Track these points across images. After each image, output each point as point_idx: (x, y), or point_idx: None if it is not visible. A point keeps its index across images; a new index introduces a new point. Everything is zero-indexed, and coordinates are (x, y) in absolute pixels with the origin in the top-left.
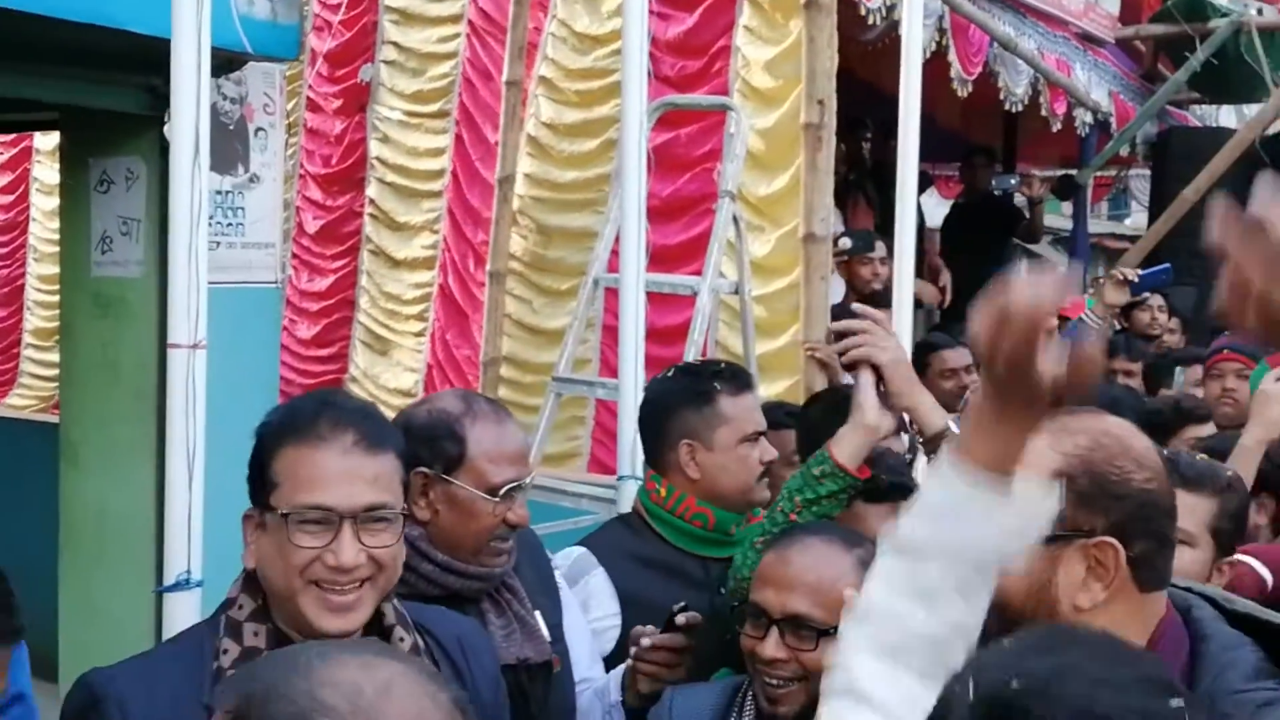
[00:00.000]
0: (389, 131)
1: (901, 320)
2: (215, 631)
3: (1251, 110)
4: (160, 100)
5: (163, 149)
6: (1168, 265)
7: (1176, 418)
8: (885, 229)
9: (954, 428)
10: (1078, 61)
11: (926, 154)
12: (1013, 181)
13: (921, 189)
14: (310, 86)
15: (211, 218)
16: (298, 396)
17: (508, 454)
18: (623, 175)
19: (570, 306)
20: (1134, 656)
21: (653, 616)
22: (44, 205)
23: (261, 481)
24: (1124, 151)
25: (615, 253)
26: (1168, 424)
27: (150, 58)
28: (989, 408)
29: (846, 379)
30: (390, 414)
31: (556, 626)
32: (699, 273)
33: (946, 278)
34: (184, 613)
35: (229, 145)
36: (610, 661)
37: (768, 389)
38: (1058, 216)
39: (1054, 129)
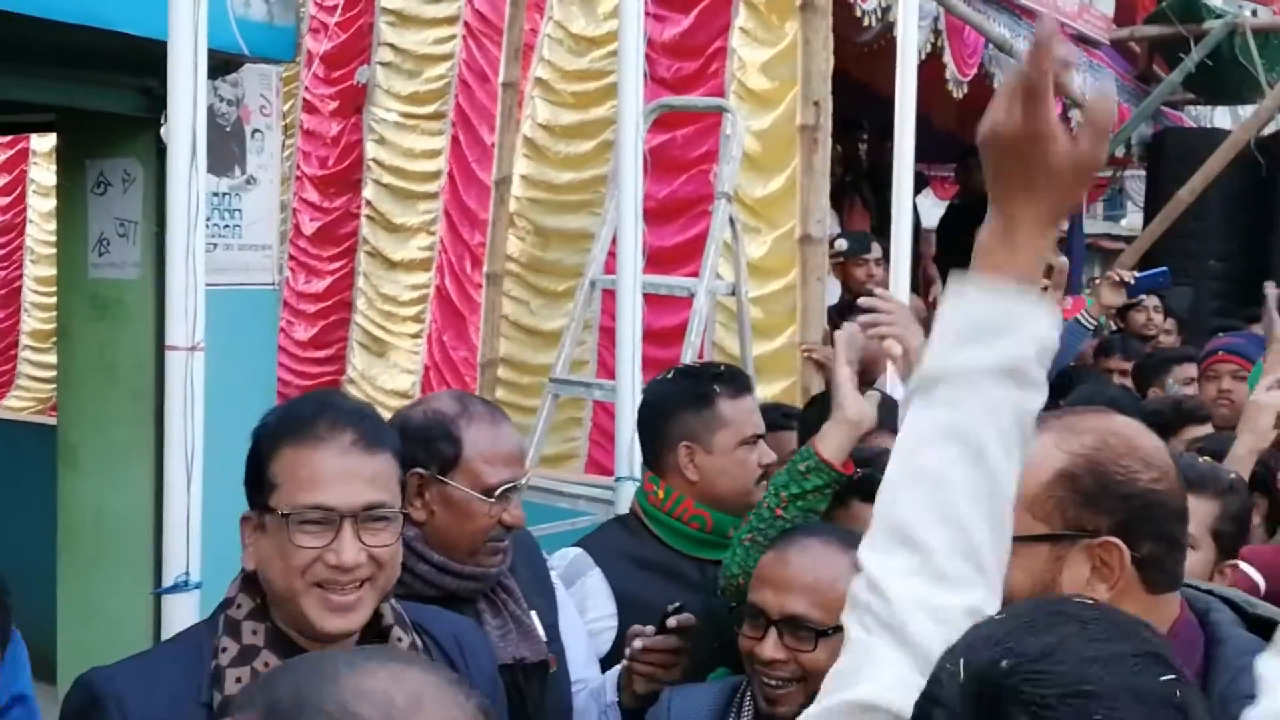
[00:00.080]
0: (385, 133)
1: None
2: (214, 631)
3: (1246, 111)
4: (157, 102)
5: (159, 151)
6: (1165, 268)
7: (1177, 418)
8: (881, 230)
9: None
10: None
11: (922, 155)
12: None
13: (917, 190)
14: (306, 88)
15: (208, 219)
16: (294, 398)
17: (503, 455)
18: (619, 177)
19: (567, 308)
20: (1125, 631)
21: (649, 618)
22: (41, 207)
23: (259, 483)
24: (1119, 152)
25: (612, 254)
26: (1168, 424)
27: (146, 59)
28: (1004, 204)
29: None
30: (387, 415)
31: (552, 626)
32: (695, 274)
33: (937, 289)
34: (183, 614)
35: (226, 147)
36: (607, 662)
37: (765, 390)
38: None
39: None
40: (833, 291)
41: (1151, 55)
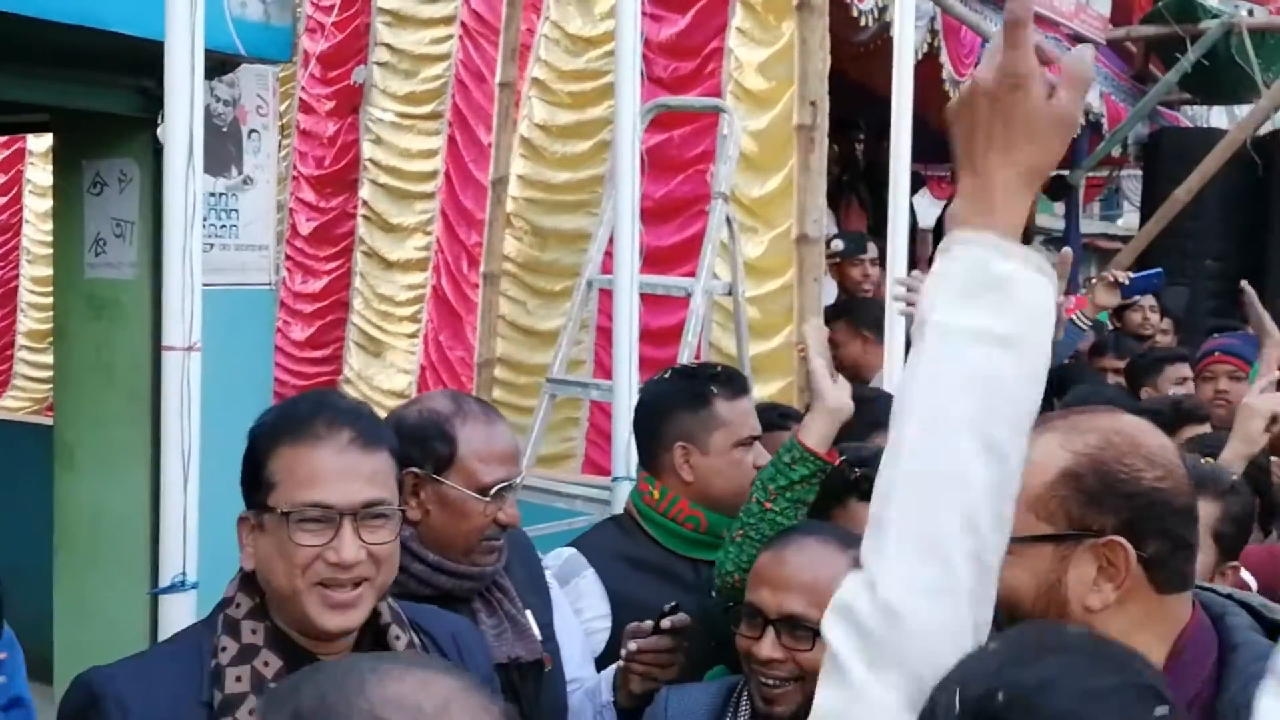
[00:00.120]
0: (382, 133)
1: (893, 321)
2: (213, 630)
3: (1242, 111)
4: (153, 102)
5: (156, 151)
6: (1160, 269)
7: (1176, 418)
8: (878, 230)
9: None
10: None
11: (919, 155)
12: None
13: (914, 190)
14: (303, 88)
15: (205, 220)
16: (290, 398)
17: (498, 454)
18: (616, 177)
19: (564, 308)
20: (1119, 663)
21: (643, 618)
22: (37, 207)
23: (257, 483)
24: (1116, 152)
25: (609, 254)
26: (1167, 424)
27: (143, 60)
28: (979, 165)
29: (840, 380)
30: (383, 415)
31: (547, 625)
32: (692, 274)
33: None
34: (180, 614)
35: (222, 147)
36: (601, 662)
37: (761, 390)
38: (1050, 217)
39: None
40: (829, 291)
41: (1148, 55)
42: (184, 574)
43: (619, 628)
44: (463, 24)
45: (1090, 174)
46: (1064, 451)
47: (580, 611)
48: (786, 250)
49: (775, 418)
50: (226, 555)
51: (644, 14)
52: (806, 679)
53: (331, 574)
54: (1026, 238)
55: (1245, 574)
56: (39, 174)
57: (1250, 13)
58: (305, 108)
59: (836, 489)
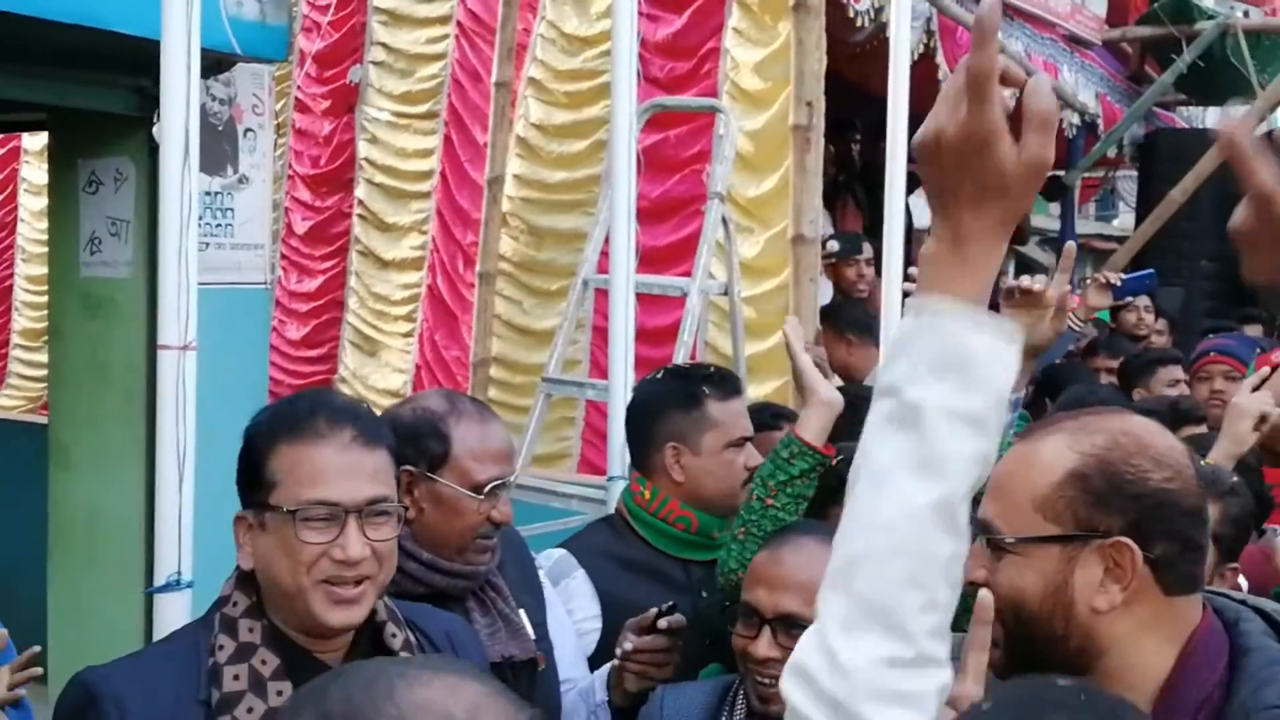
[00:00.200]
0: (377, 132)
1: (890, 321)
2: (209, 629)
3: (1238, 112)
4: (149, 101)
5: (151, 150)
6: (1151, 270)
7: (1174, 419)
8: (874, 230)
9: None
10: (1065, 63)
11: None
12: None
13: (910, 190)
14: (299, 87)
15: (201, 219)
16: (285, 397)
17: (492, 452)
18: (612, 176)
19: (560, 307)
20: (1115, 714)
21: (634, 618)
22: (32, 206)
23: (257, 482)
24: (1111, 153)
25: (605, 254)
26: (1164, 425)
27: (139, 59)
28: (951, 218)
29: (836, 380)
30: (378, 414)
31: (541, 624)
32: (688, 274)
33: None
34: (175, 614)
35: (218, 146)
36: (592, 664)
37: (757, 390)
38: (1045, 217)
39: None
40: (825, 292)
41: (1143, 56)
42: (179, 573)
43: (609, 628)
44: (459, 23)
45: (1086, 174)
46: (1071, 452)
47: (571, 612)
48: (782, 250)
49: (767, 418)
50: (221, 554)
51: (640, 14)
52: None
53: (337, 571)
54: (1022, 238)
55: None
56: (34, 172)
57: (1246, 14)
58: (301, 107)
59: (833, 488)
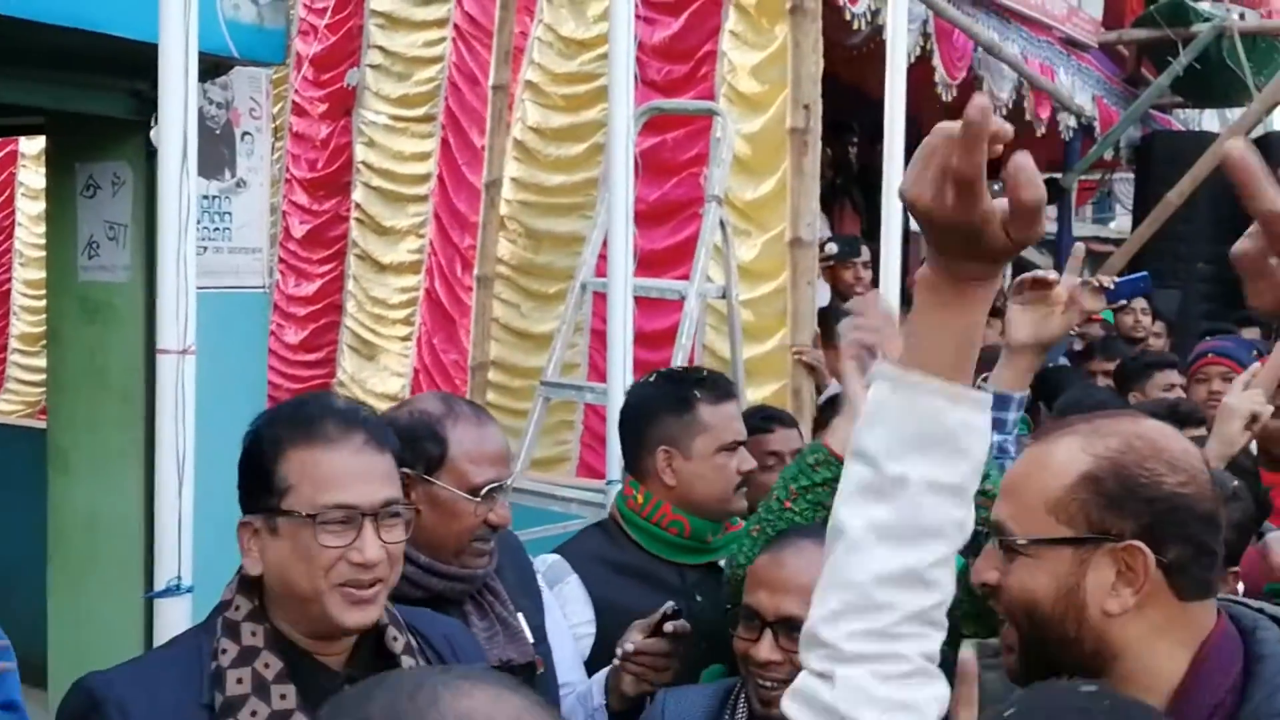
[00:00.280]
0: (375, 136)
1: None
2: (211, 633)
3: (1234, 114)
4: (146, 105)
5: (149, 153)
6: (1145, 273)
7: (1174, 421)
8: (872, 233)
9: None
10: (1061, 66)
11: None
12: (995, 188)
13: None
14: (296, 91)
15: (199, 223)
16: (287, 401)
17: (488, 455)
18: (610, 180)
19: (558, 311)
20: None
21: (627, 623)
22: (29, 210)
23: (267, 487)
24: (1108, 155)
25: (603, 257)
26: None
27: (136, 62)
28: (945, 259)
29: (831, 382)
30: None
31: (539, 628)
32: (686, 277)
33: None
34: (175, 619)
35: (215, 150)
36: (586, 669)
37: (755, 393)
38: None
39: (1038, 133)
40: (823, 295)
41: (1140, 58)
42: (179, 578)
43: (603, 633)
44: (456, 27)
45: (1082, 177)
46: (1085, 454)
47: (564, 618)
48: (780, 253)
49: (758, 421)
50: (221, 559)
51: (637, 17)
52: None
53: (354, 574)
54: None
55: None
56: (31, 176)
57: (1242, 16)
58: (298, 110)
59: None
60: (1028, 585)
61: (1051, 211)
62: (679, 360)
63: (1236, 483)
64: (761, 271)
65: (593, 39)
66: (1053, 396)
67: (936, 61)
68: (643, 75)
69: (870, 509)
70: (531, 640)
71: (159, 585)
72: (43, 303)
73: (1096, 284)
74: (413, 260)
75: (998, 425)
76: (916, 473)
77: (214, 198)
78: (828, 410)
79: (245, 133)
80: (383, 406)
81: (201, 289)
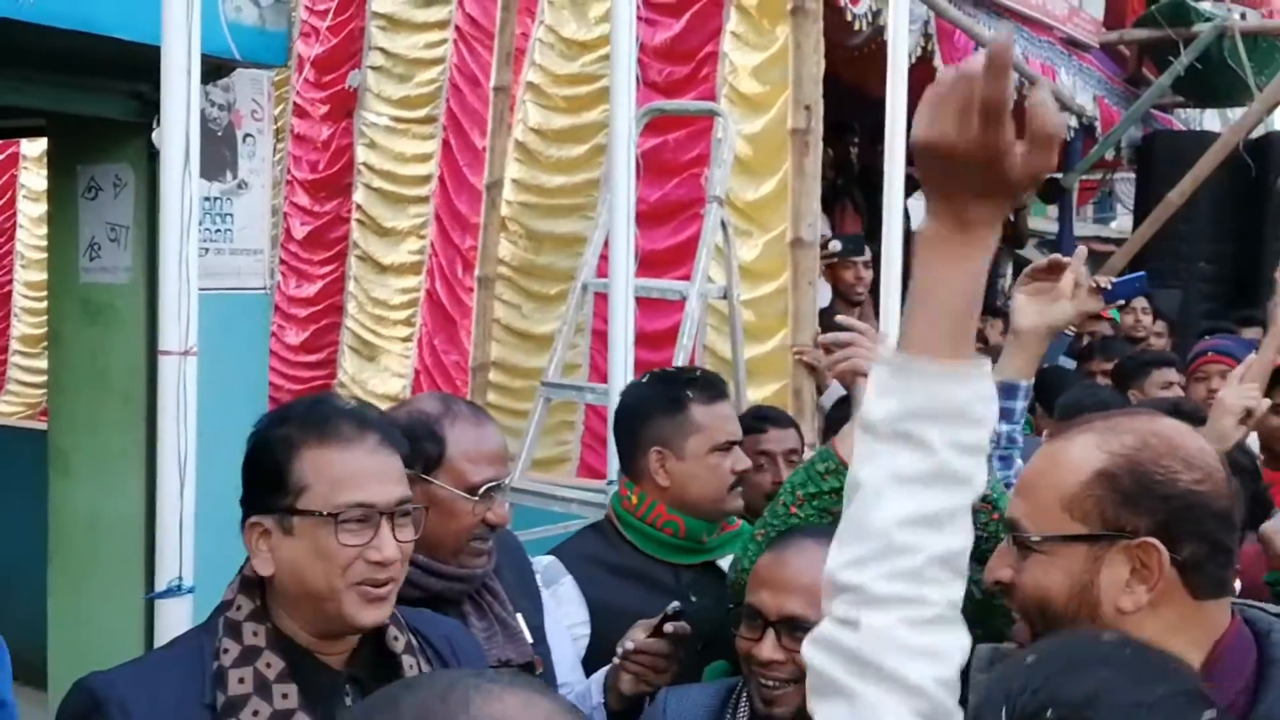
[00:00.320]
0: (376, 137)
1: (889, 325)
2: (213, 634)
3: (1235, 114)
4: (148, 107)
5: (150, 155)
6: (1143, 273)
7: (1176, 419)
8: (873, 234)
9: None
10: (1062, 66)
11: (913, 159)
12: None
13: (909, 193)
14: (297, 92)
15: (200, 224)
16: (295, 401)
17: (486, 454)
18: (611, 180)
19: (559, 311)
20: (1161, 670)
21: (622, 624)
22: (31, 212)
23: (280, 486)
24: (1109, 155)
25: (604, 258)
26: None
27: (138, 64)
28: (955, 206)
29: (833, 383)
30: None
31: (538, 628)
32: (687, 277)
33: None
34: (176, 619)
35: (217, 152)
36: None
37: (756, 393)
38: (1043, 220)
39: None
40: (824, 295)
41: (1141, 58)
42: (180, 578)
43: (597, 634)
44: (457, 28)
45: (1084, 177)
46: (1100, 452)
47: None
48: (781, 254)
49: (751, 420)
50: (221, 559)
51: (638, 18)
52: (806, 680)
53: (371, 573)
54: (1020, 241)
55: None
56: (33, 178)
57: (1243, 16)
58: (299, 112)
59: None
60: (1042, 583)
61: (1052, 211)
62: (680, 360)
63: (1235, 483)
64: (762, 272)
65: (594, 40)
66: (1050, 397)
67: (938, 62)
68: (644, 76)
69: (892, 459)
70: (530, 641)
71: (160, 586)
72: (44, 304)
73: (1093, 284)
74: (414, 261)
75: (1005, 415)
76: (937, 437)
77: (215, 199)
78: (838, 411)
79: (247, 134)
80: (383, 407)
81: (203, 290)
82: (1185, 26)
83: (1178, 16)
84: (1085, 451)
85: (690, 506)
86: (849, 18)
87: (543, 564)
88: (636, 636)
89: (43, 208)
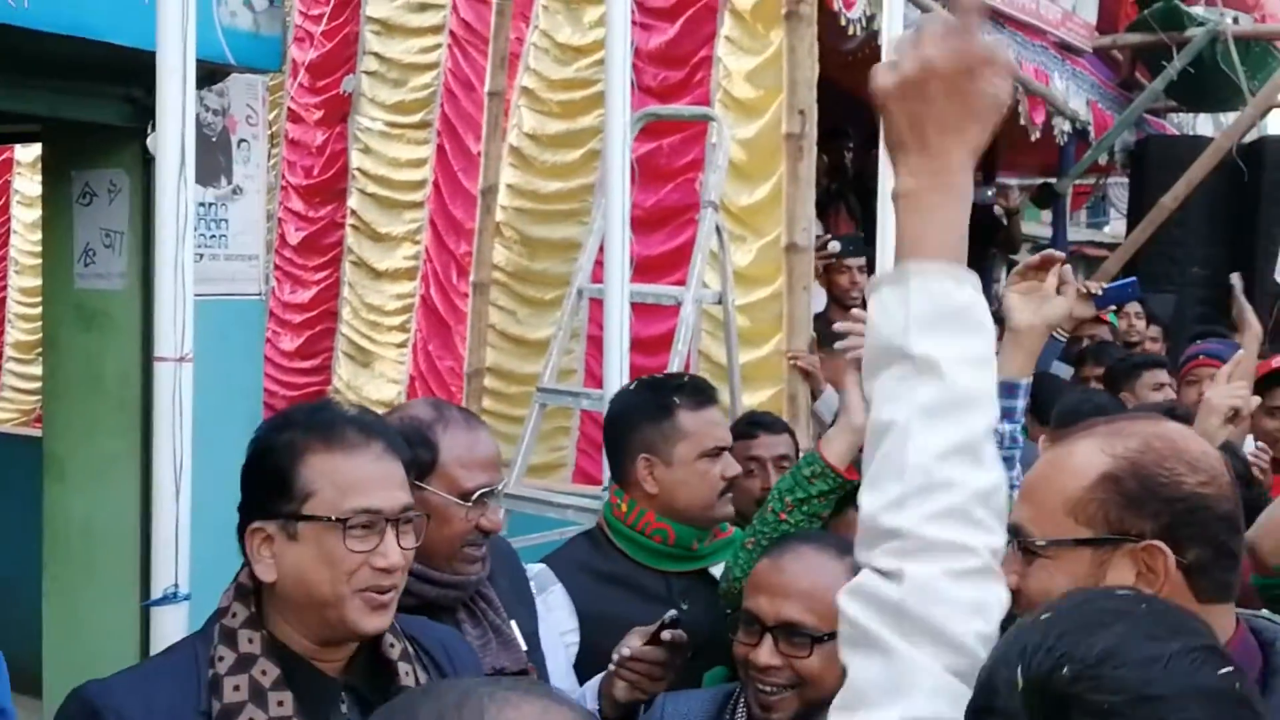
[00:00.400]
0: (370, 142)
1: None
2: (208, 641)
3: (1228, 118)
4: (142, 112)
5: (145, 161)
6: (1134, 279)
7: None
8: (867, 239)
9: None
10: (1056, 70)
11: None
12: (989, 193)
13: None
14: (292, 97)
15: (195, 230)
16: (297, 406)
17: (479, 460)
18: (606, 185)
19: (554, 317)
20: (1176, 625)
21: (612, 632)
22: (24, 218)
23: (284, 491)
24: (1102, 160)
25: (599, 263)
26: None
27: (132, 69)
28: (934, 146)
29: (827, 389)
30: None
31: (532, 635)
32: (682, 283)
33: None
34: (172, 626)
35: (212, 157)
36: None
37: (751, 398)
38: (1037, 224)
39: (1033, 138)
40: (819, 300)
41: (1134, 63)
42: (176, 585)
43: (587, 642)
44: (451, 33)
45: (1077, 182)
46: (1104, 455)
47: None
48: (776, 258)
49: (744, 426)
50: (217, 566)
51: (633, 23)
52: (804, 685)
53: (375, 579)
54: (1014, 246)
55: None
56: (26, 184)
57: (1236, 20)
58: (294, 117)
59: (845, 504)
60: (1047, 587)
61: (1046, 216)
62: (675, 366)
63: None
64: (757, 277)
65: (589, 45)
66: (1041, 403)
67: None
68: (638, 81)
69: (913, 394)
70: (525, 648)
71: (156, 593)
72: (38, 310)
73: (1084, 290)
74: (408, 267)
75: (1007, 414)
76: (943, 350)
77: (210, 205)
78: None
79: (241, 140)
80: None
81: (198, 296)
82: (1178, 31)
83: (1171, 21)
84: (1089, 455)
85: (679, 513)
86: (843, 22)
87: (533, 571)
88: (633, 644)
89: (36, 213)
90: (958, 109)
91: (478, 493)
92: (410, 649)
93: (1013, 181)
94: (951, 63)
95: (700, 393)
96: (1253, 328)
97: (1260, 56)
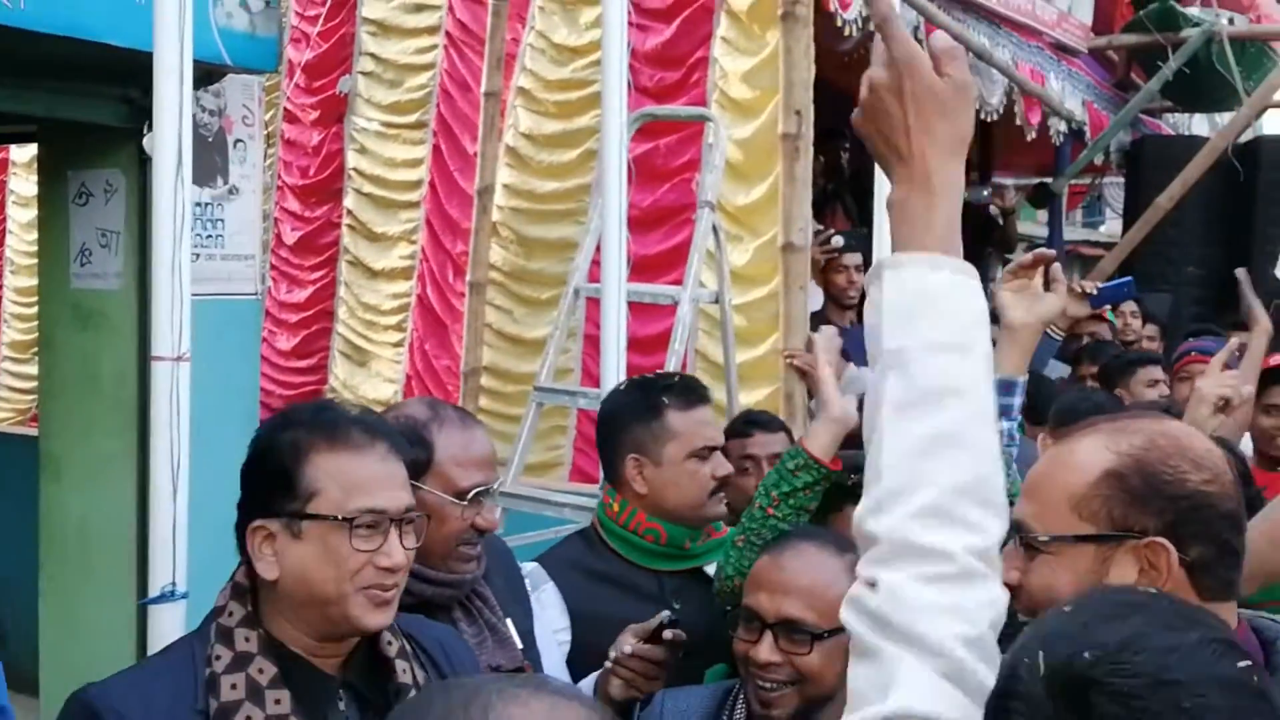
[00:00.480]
0: (366, 143)
1: None
2: (205, 640)
3: (1224, 119)
4: (139, 112)
5: (141, 161)
6: (1129, 278)
7: None
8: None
9: None
10: (1052, 71)
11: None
12: (985, 193)
13: None
14: (288, 98)
15: (191, 230)
16: (300, 405)
17: (475, 459)
18: (603, 185)
19: (551, 316)
20: (1194, 619)
21: (604, 631)
22: (20, 217)
23: (288, 490)
24: (1098, 160)
25: (596, 263)
26: None
27: (129, 70)
28: (918, 157)
29: (850, 365)
30: None
31: (528, 633)
32: (679, 282)
33: None
34: (169, 625)
35: (208, 157)
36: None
37: (748, 397)
38: (1033, 224)
39: (1029, 138)
40: (815, 299)
41: (1130, 63)
42: (173, 584)
43: (578, 641)
44: (447, 34)
45: (1073, 181)
46: (1108, 452)
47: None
48: (772, 258)
49: (739, 425)
50: (213, 565)
51: (629, 23)
52: (803, 682)
53: (379, 578)
54: (1009, 246)
55: None
56: (22, 184)
57: (1231, 21)
58: (290, 117)
59: (834, 495)
60: (1049, 584)
61: (1042, 216)
62: (672, 365)
63: None
64: (754, 276)
65: (585, 45)
66: (1036, 404)
67: None
68: (635, 81)
69: (885, 391)
70: (520, 646)
71: (153, 592)
72: (34, 310)
73: (1079, 289)
74: (404, 266)
75: (1004, 411)
76: (910, 340)
77: (206, 205)
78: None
79: (238, 140)
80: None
81: (194, 296)
82: (1173, 31)
83: (1166, 21)
84: (1093, 452)
85: (669, 513)
86: (839, 23)
87: (525, 570)
88: (630, 642)
89: (32, 213)
90: (915, 111)
91: (473, 491)
92: (408, 647)
93: (1009, 181)
94: (889, 71)
95: (690, 392)
96: (1261, 323)
97: (1255, 57)
